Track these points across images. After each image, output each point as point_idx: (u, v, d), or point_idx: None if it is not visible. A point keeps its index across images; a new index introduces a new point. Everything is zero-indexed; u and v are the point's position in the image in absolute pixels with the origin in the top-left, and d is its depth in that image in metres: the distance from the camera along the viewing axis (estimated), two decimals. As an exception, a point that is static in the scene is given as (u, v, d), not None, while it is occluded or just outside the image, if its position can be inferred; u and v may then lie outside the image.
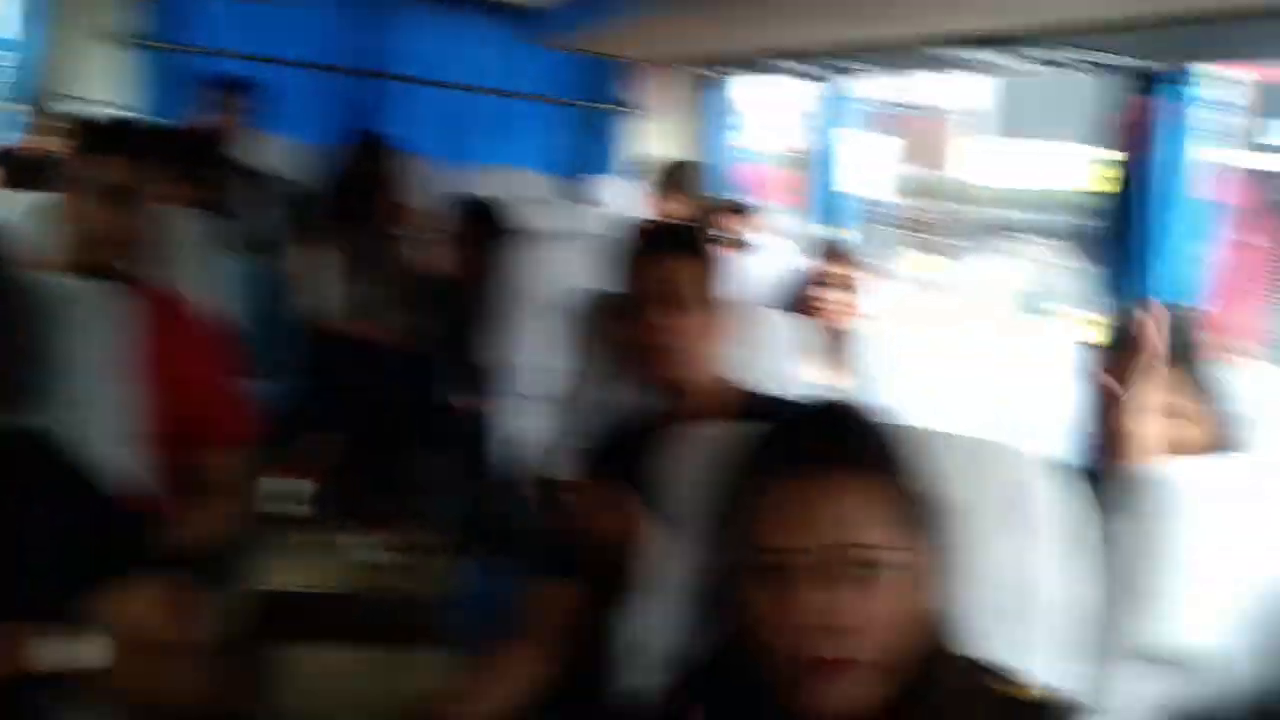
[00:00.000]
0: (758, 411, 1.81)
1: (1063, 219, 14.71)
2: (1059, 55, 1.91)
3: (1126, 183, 2.32)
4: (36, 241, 2.04)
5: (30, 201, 2.17)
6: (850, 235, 3.89)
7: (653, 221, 3.34)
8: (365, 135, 4.19)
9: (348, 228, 3.87)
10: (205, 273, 2.42)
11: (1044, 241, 15.19)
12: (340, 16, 5.29)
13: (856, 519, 0.98)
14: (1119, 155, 2.32)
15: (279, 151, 4.64)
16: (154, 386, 2.00)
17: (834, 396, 1.15)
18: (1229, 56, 1.86)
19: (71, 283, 1.66)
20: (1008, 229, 15.60)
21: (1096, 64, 2.03)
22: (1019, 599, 1.17)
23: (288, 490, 3.94)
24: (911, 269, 13.96)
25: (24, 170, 2.59)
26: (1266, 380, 1.91)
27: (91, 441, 1.49)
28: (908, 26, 2.08)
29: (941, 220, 13.81)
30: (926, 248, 14.34)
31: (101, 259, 1.98)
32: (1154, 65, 2.06)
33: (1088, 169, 2.42)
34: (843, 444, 1.02)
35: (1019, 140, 13.70)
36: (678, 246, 1.87)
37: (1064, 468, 1.33)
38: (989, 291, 14.79)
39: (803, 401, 1.28)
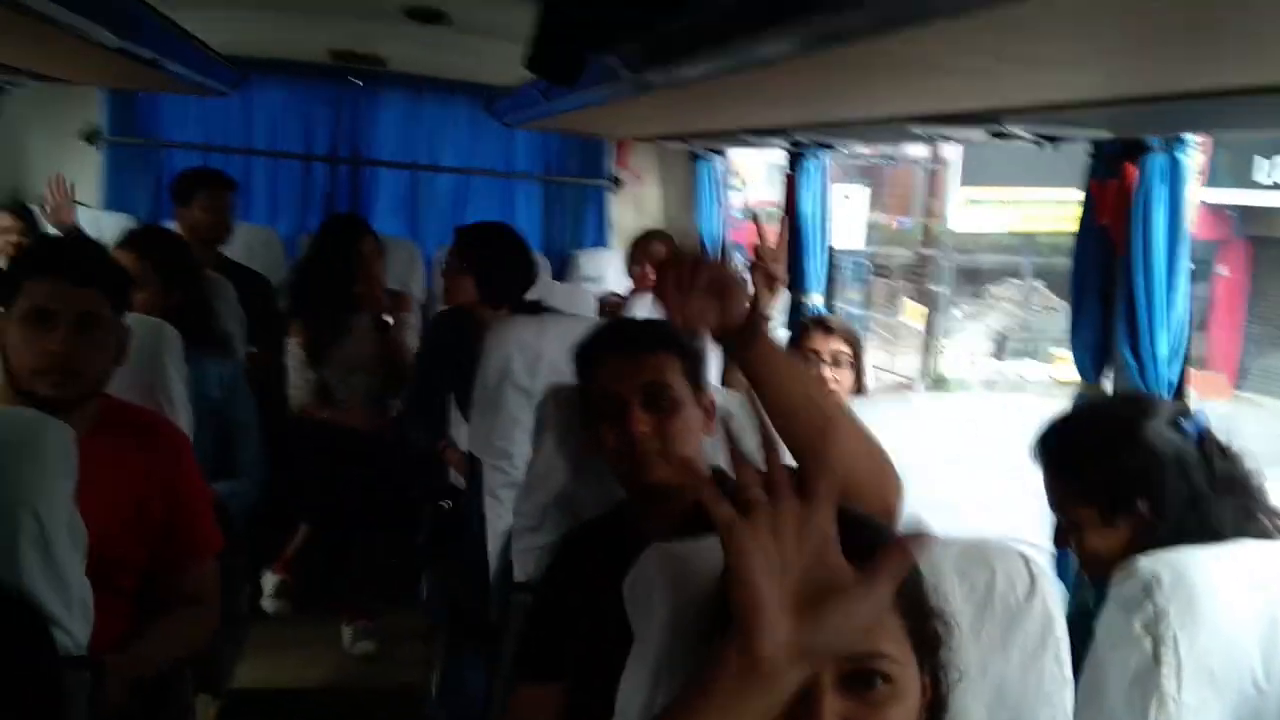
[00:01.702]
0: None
1: (1040, 261, 14.84)
2: (1045, 130, 1.86)
3: (1113, 240, 2.28)
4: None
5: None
6: (840, 289, 3.83)
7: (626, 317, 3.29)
8: (339, 219, 4.14)
9: (320, 313, 3.80)
10: (169, 378, 2.35)
11: (1023, 284, 15.31)
12: (315, 103, 5.26)
13: (881, 628, 0.93)
14: (1105, 217, 2.28)
15: (251, 242, 4.60)
16: (116, 509, 1.94)
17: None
18: (1223, 127, 1.82)
19: (22, 416, 1.59)
20: (986, 273, 15.72)
21: (1084, 137, 1.99)
22: (1003, 707, 1.14)
23: (264, 586, 3.86)
24: (908, 317, 14.02)
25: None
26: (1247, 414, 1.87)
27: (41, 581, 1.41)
28: (889, 107, 2.04)
29: (921, 267, 13.85)
30: (910, 295, 14.40)
31: (36, 386, 1.88)
32: (1145, 136, 2.02)
33: (1062, 212, 2.39)
34: (862, 552, 0.92)
35: (992, 186, 13.78)
36: (660, 342, 1.79)
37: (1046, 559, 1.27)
38: (972, 336, 14.82)
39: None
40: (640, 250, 4.46)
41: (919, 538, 0.87)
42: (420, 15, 3.49)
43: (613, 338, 1.84)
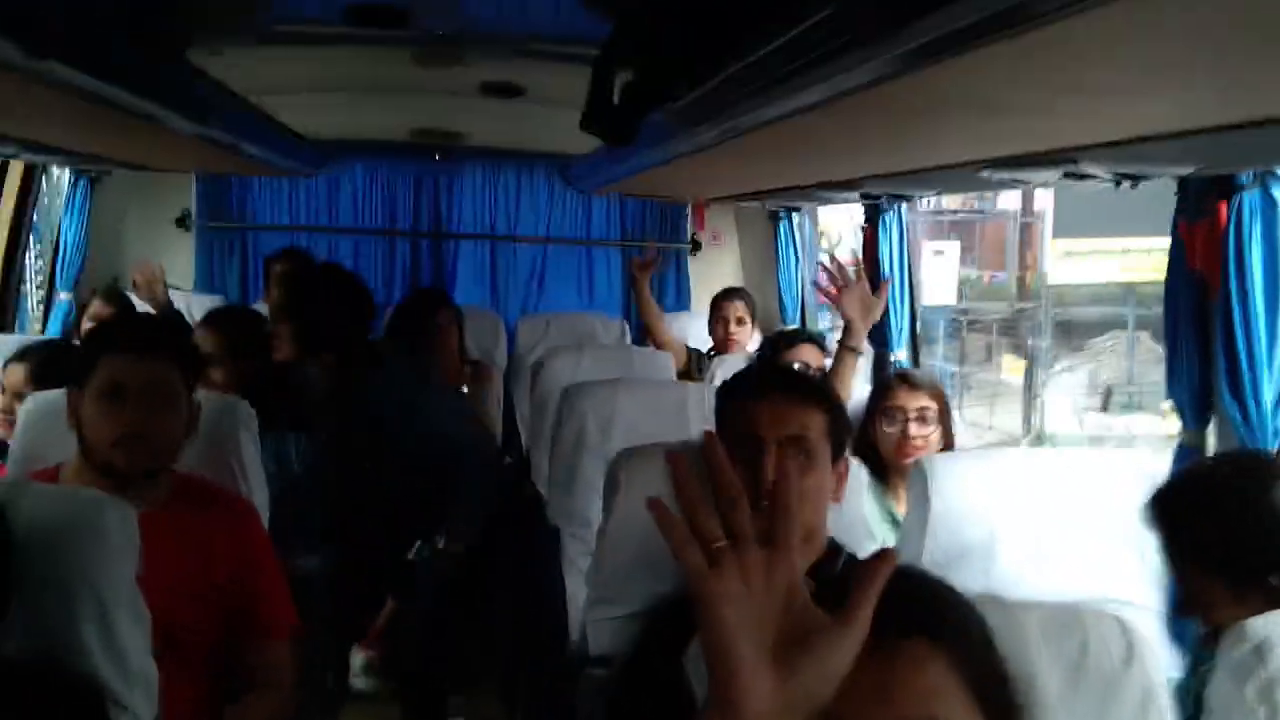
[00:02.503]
0: (831, 572, 1.65)
1: (1143, 312, 14.40)
2: (1124, 168, 1.77)
3: (1207, 283, 2.16)
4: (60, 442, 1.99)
5: (55, 400, 2.12)
6: (933, 346, 3.72)
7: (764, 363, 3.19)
8: (417, 293, 4.19)
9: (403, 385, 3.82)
10: (244, 453, 2.35)
11: (1126, 336, 14.85)
12: (397, 180, 5.38)
13: (937, 693, 0.85)
14: (1196, 260, 2.17)
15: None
16: (186, 583, 1.93)
17: (907, 565, 1.03)
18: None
19: (77, 492, 1.59)
20: (1087, 326, 15.29)
21: (1168, 173, 1.89)
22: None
23: (352, 664, 3.82)
24: (1002, 372, 13.69)
25: (51, 365, 2.56)
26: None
27: (105, 660, 1.40)
28: (960, 152, 1.97)
29: (1017, 321, 13.54)
30: (1008, 350, 14.07)
31: (110, 460, 1.90)
32: (1235, 170, 1.92)
33: (1157, 261, 2.28)
34: (920, 614, 0.91)
35: (1088, 238, 13.45)
36: (811, 395, 1.69)
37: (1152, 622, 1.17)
38: (1074, 390, 14.39)
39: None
40: (718, 310, 4.42)
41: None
42: (496, 90, 3.55)
43: (763, 377, 1.77)
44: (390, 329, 4.02)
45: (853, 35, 1.21)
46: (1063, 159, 1.75)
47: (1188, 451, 2.26)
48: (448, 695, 3.64)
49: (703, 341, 4.63)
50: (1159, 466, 2.37)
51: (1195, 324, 2.17)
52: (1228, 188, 2.03)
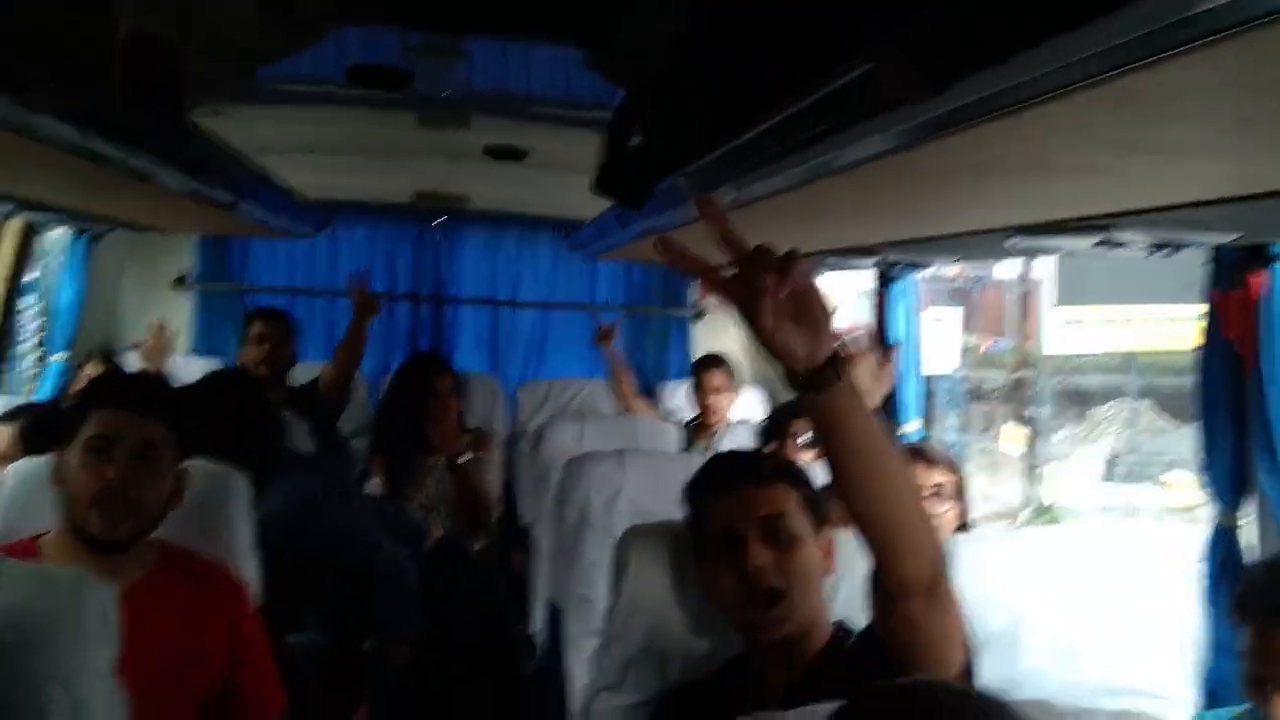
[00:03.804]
0: (850, 660, 1.56)
1: (1147, 381, 14.33)
2: (1162, 235, 1.70)
3: (1242, 355, 2.08)
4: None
5: (40, 467, 2.04)
6: (937, 417, 3.64)
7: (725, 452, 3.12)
8: (414, 359, 4.10)
9: (397, 453, 3.72)
10: (234, 526, 2.25)
11: (1129, 405, 14.77)
12: (399, 243, 5.33)
13: None
14: (1232, 330, 2.09)
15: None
16: (169, 658, 1.84)
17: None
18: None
19: (60, 577, 1.49)
20: (1089, 395, 15.21)
21: (1207, 241, 1.82)
22: None
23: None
24: (1007, 442, 13.58)
25: (40, 428, 2.48)
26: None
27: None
28: (985, 218, 1.90)
29: (1018, 390, 13.46)
30: (1009, 419, 13.97)
31: (101, 521, 1.83)
32: (1275, 238, 1.85)
33: (1166, 330, 2.21)
34: None
35: (1090, 305, 13.43)
36: (776, 474, 1.68)
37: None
38: (1077, 461, 14.26)
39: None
40: (697, 378, 4.32)
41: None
42: (499, 154, 3.51)
43: (725, 471, 1.73)
44: (388, 394, 3.93)
45: (881, 100, 1.14)
46: (1096, 226, 1.67)
47: (1224, 533, 2.16)
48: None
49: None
50: (1193, 540, 2.27)
51: (1231, 397, 2.09)
52: (1263, 256, 1.96)
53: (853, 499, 1.27)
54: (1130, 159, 1.31)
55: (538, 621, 3.34)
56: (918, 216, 2.10)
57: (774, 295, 1.16)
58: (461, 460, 3.63)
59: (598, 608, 2.48)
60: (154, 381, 2.28)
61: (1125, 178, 1.41)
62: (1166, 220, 1.57)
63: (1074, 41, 0.84)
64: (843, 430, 1.24)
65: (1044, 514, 12.12)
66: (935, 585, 1.32)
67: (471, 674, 3.44)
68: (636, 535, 1.97)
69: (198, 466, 2.06)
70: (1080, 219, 1.70)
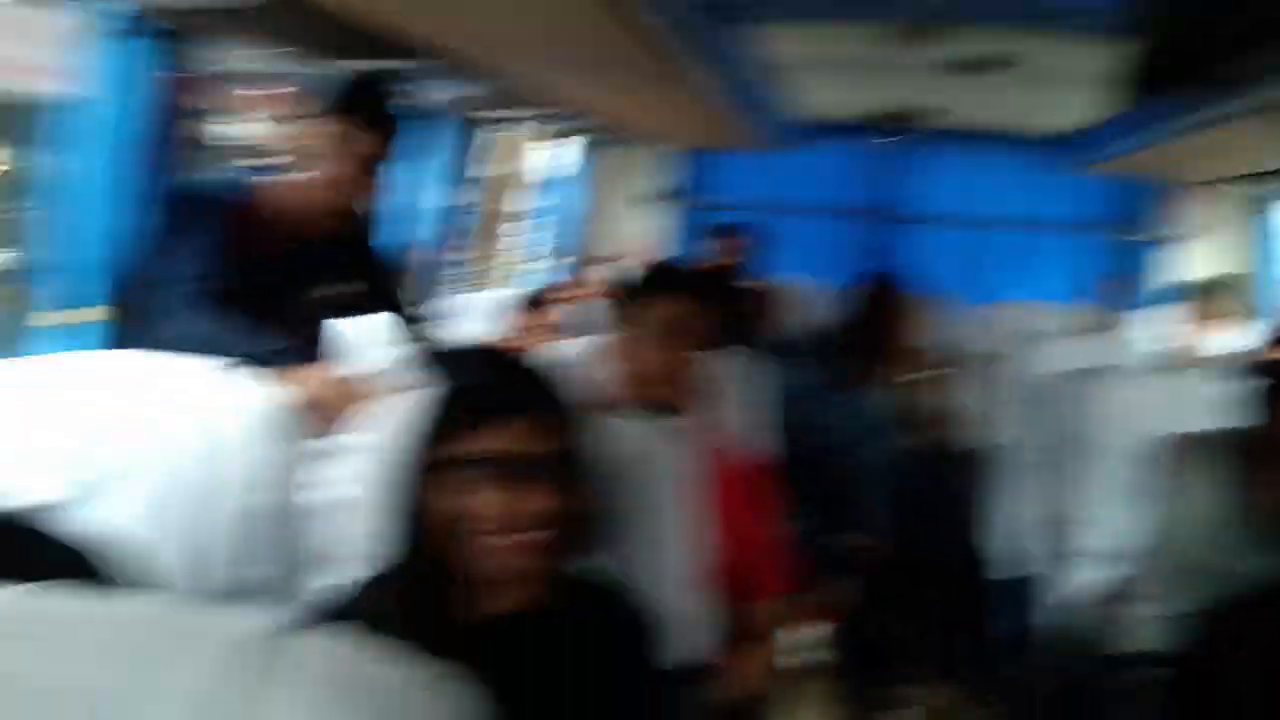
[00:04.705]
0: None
1: None
2: None
3: None
4: (592, 384, 2.12)
5: (583, 346, 2.26)
6: None
7: None
8: (877, 276, 4.11)
9: (856, 371, 3.78)
10: (747, 413, 2.40)
11: None
12: (862, 159, 5.36)
13: None
14: None
15: (795, 296, 4.74)
16: (708, 530, 2.00)
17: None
18: None
19: (633, 424, 1.67)
20: None
21: None
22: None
23: (810, 637, 3.82)
24: None
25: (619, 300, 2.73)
26: None
27: (655, 588, 1.45)
28: None
29: None
30: None
31: (658, 397, 1.97)
32: None
33: None
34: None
35: None
36: None
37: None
38: None
39: None
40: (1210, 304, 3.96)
41: None
42: (977, 66, 3.43)
43: None
44: (842, 316, 3.99)
45: None
46: None
47: None
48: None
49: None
50: None
51: None
52: None
53: None
54: None
55: (1004, 537, 3.29)
56: None
57: None
58: (924, 379, 3.64)
59: (1091, 525, 2.42)
60: (715, 274, 2.42)
61: None
62: None
63: None
64: None
65: None
66: None
67: (940, 579, 3.48)
68: (1185, 444, 1.89)
69: (716, 352, 2.21)
70: None
